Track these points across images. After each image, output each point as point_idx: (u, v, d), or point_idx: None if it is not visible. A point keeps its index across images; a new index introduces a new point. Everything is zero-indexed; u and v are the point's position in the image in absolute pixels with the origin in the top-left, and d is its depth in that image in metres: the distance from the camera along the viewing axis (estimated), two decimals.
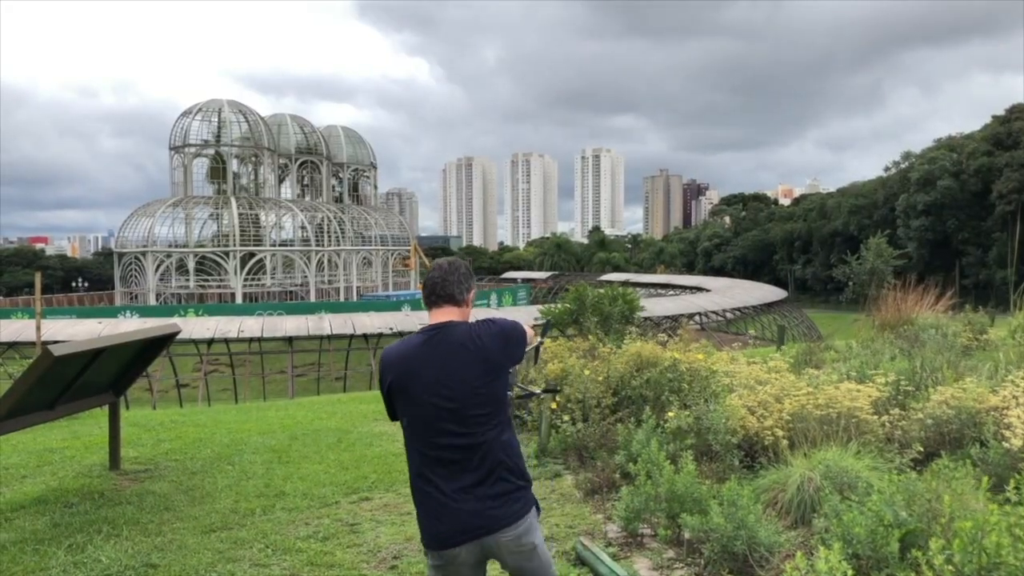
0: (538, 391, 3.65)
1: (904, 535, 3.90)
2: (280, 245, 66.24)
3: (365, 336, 30.66)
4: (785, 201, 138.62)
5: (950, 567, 2.03)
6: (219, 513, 5.94)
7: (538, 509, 2.93)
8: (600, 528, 5.48)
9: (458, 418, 2.73)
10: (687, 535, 4.82)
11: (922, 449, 5.74)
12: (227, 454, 7.90)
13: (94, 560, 4.92)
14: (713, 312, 36.55)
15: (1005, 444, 5.19)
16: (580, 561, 4.78)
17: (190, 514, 5.92)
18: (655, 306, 30.97)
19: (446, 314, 2.89)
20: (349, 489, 6.63)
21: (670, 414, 6.61)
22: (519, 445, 2.95)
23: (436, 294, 2.91)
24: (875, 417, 6.38)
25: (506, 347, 2.86)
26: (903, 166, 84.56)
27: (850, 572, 3.11)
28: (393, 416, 2.90)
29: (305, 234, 64.88)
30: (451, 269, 2.95)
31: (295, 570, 4.86)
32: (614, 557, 4.76)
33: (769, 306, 39.32)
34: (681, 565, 4.72)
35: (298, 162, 70.65)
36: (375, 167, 78.64)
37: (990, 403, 6.13)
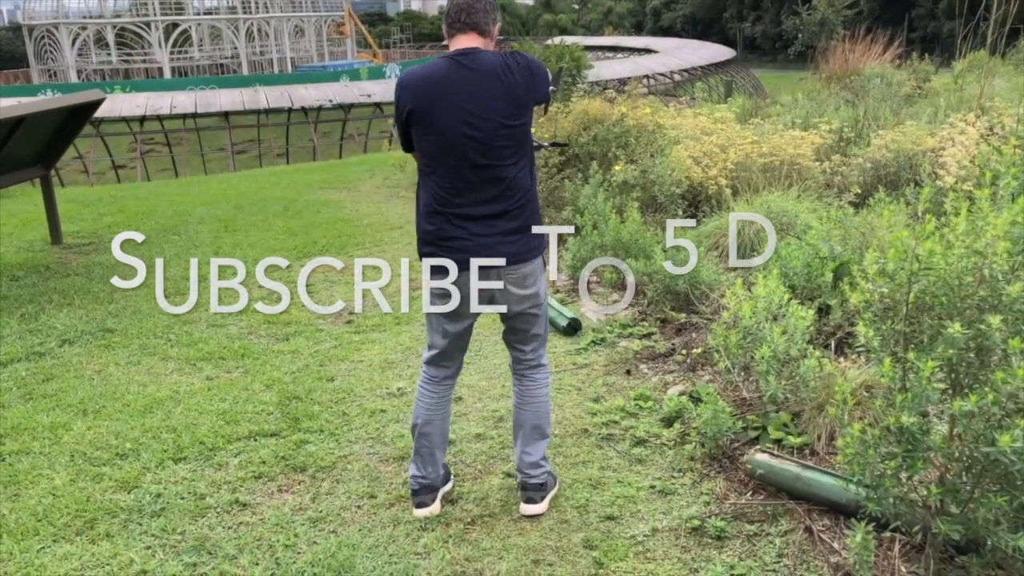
0: (545, 143, 3.30)
1: (838, 267, 4.09)
2: (205, 14, 61.76)
3: (304, 109, 29.54)
4: None
5: (882, 276, 2.11)
6: (170, 280, 5.94)
7: (545, 264, 2.87)
8: (549, 278, 5.63)
9: (483, 148, 2.58)
10: (631, 279, 4.99)
11: (859, 191, 5.91)
12: (172, 225, 7.80)
13: (49, 327, 4.94)
14: (661, 74, 35.83)
15: (939, 182, 5.35)
16: None
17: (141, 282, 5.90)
18: (603, 69, 30.17)
19: (471, 41, 2.63)
20: (300, 254, 6.65)
21: (617, 168, 6.62)
22: (538, 194, 2.83)
23: (461, 21, 2.62)
24: (816, 164, 6.49)
25: (533, 82, 2.64)
26: None
27: (787, 296, 3.28)
28: (409, 147, 2.73)
29: (231, 1, 60.36)
30: None
31: (252, 328, 4.97)
32: (562, 302, 4.95)
33: (717, 66, 38.64)
34: (626, 306, 4.93)
35: None
36: None
37: (927, 145, 6.25)
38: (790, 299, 3.27)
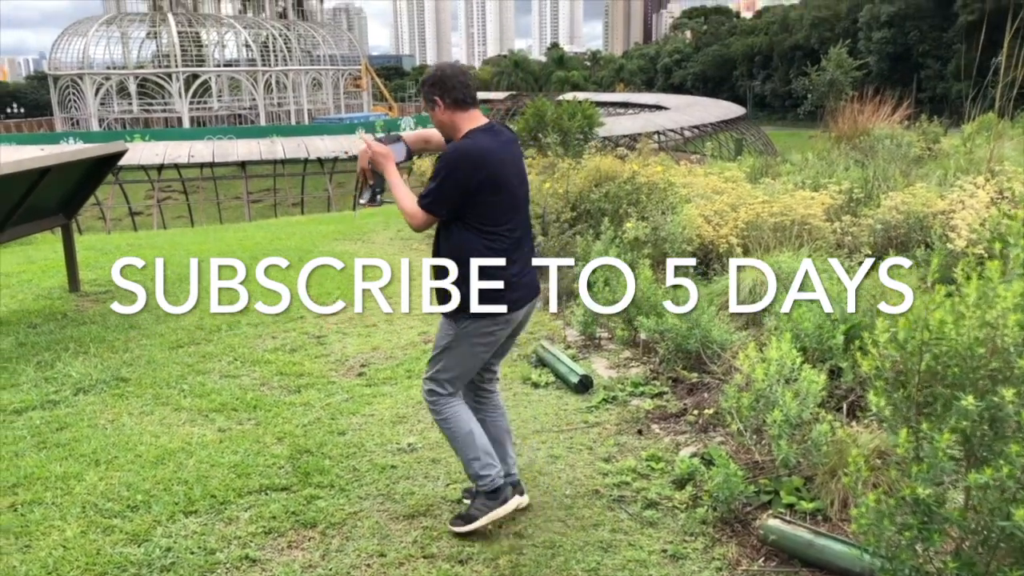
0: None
1: (849, 329, 4.10)
2: (225, 66, 63.20)
3: (320, 160, 30.01)
4: (747, 14, 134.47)
5: (893, 345, 2.13)
6: (185, 330, 5.99)
7: None
8: (560, 333, 5.67)
9: (526, 202, 3.14)
10: (643, 336, 5.02)
11: (870, 252, 5.94)
12: (188, 274, 7.84)
13: (64, 375, 4.98)
14: (671, 130, 36.31)
15: (949, 245, 5.38)
16: (540, 362, 4.98)
17: (156, 331, 5.97)
18: (614, 125, 30.63)
19: (481, 116, 3.04)
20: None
21: (628, 225, 6.69)
22: None
23: (472, 96, 3.03)
24: (827, 224, 6.54)
25: None
26: None
27: (799, 360, 3.29)
28: (452, 211, 2.94)
29: (250, 53, 61.76)
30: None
31: (265, 379, 4.99)
32: (573, 358, 4.96)
33: (727, 123, 39.15)
34: (637, 364, 4.94)
35: None
36: None
37: (937, 207, 6.29)
38: (802, 362, 3.28)
